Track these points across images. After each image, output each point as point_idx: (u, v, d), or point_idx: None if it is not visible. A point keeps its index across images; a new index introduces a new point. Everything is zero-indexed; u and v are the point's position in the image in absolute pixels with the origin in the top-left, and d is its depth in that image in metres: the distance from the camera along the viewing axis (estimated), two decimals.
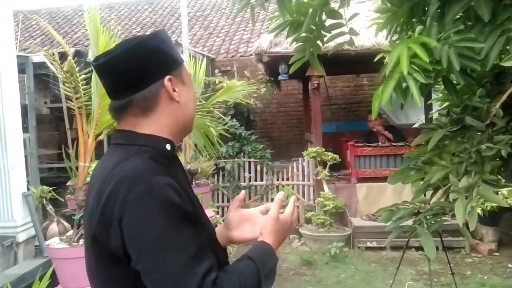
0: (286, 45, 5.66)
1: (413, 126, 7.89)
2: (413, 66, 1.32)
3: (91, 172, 3.50)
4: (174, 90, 1.07)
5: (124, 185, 0.95)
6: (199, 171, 5.10)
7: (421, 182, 1.78)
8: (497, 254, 5.06)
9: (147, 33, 1.15)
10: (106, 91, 1.11)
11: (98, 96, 2.50)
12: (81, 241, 2.75)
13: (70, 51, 2.93)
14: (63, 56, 3.04)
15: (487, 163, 1.48)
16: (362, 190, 5.93)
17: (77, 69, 2.65)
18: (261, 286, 1.00)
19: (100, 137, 2.68)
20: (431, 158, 1.75)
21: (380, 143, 6.09)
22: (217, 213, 5.48)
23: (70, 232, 2.95)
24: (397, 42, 1.51)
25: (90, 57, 2.50)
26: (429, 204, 1.78)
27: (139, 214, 0.93)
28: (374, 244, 5.33)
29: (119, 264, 0.98)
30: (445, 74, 1.48)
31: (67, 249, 2.73)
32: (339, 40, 1.89)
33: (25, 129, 5.42)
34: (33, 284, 2.49)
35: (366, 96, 9.02)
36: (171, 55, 1.10)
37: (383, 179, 5.73)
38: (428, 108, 5.55)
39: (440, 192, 1.75)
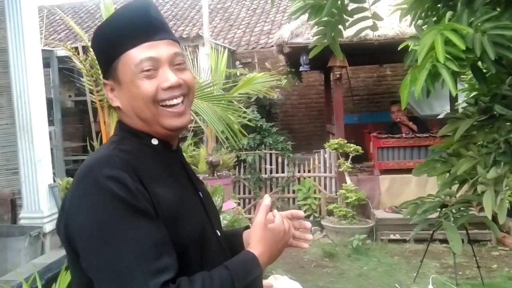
0: (308, 35, 5.59)
1: (438, 117, 7.75)
2: (446, 54, 1.27)
3: None
4: (113, 94, 0.99)
5: (77, 177, 0.90)
6: (221, 163, 5.11)
7: (447, 175, 1.74)
8: None
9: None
10: None
11: None
12: None
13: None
14: (87, 49, 3.07)
15: None
16: (385, 182, 5.85)
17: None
18: None
19: None
20: (457, 149, 1.70)
21: (404, 135, 5.98)
22: (239, 204, 5.50)
23: None
24: (425, 28, 1.45)
25: None
26: (455, 197, 1.74)
27: (82, 207, 0.86)
28: (397, 236, 5.26)
29: (73, 258, 0.91)
30: (474, 62, 1.43)
31: None
32: (362, 25, 1.83)
33: (50, 122, 5.53)
34: (59, 273, 2.54)
35: (389, 87, 8.87)
36: (102, 51, 0.99)
37: (407, 171, 5.64)
38: (453, 98, 5.41)
39: (466, 185, 1.71)
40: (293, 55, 6.25)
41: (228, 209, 4.08)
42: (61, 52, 6.35)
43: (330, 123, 7.39)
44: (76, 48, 2.96)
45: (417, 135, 5.88)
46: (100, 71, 1.03)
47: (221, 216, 3.02)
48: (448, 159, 1.73)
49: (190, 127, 4.95)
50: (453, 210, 1.66)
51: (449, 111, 7.35)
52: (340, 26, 1.83)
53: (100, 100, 2.64)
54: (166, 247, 0.86)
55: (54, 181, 4.22)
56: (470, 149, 1.62)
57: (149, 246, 0.83)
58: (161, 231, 0.87)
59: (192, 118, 2.90)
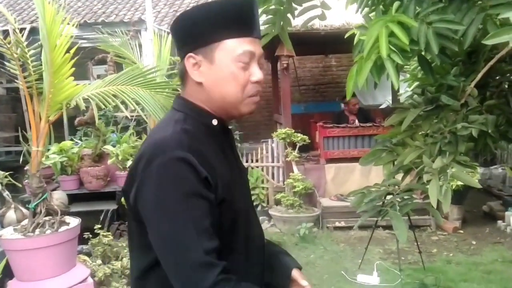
0: None
1: (380, 107, 7.97)
2: (391, 46, 1.26)
3: (45, 157, 3.28)
4: (197, 69, 1.06)
5: (149, 153, 1.01)
6: None
7: (393, 164, 1.74)
8: (461, 231, 5.20)
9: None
10: None
11: (50, 74, 2.30)
12: (37, 231, 2.57)
13: (24, 27, 2.72)
14: (21, 32, 2.81)
15: (461, 143, 1.44)
16: (330, 171, 5.95)
17: (25, 43, 2.43)
18: None
19: (52, 119, 2.48)
20: (403, 139, 1.71)
21: (348, 124, 6.10)
22: None
23: (25, 222, 2.75)
24: (373, 18, 1.43)
25: (40, 32, 2.30)
26: (399, 186, 1.75)
27: (151, 184, 0.98)
28: (343, 224, 5.38)
29: (138, 222, 1.04)
30: (420, 53, 1.42)
31: (22, 240, 2.52)
32: (310, 14, 1.80)
33: None
34: None
35: (334, 77, 9.02)
36: (202, 29, 1.04)
37: (351, 159, 5.77)
38: (395, 89, 5.57)
39: (411, 174, 1.72)
40: None
41: None
42: None
43: (277, 112, 7.40)
44: (6, 31, 2.70)
45: (361, 124, 6.01)
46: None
47: None
48: (394, 148, 1.74)
49: (132, 116, 4.75)
50: (398, 199, 1.67)
51: (391, 101, 7.57)
52: (289, 15, 1.79)
53: (28, 87, 2.41)
54: (214, 232, 0.99)
55: None
56: (416, 139, 1.63)
57: (204, 227, 0.97)
58: (213, 216, 1.00)
59: (134, 108, 2.75)
